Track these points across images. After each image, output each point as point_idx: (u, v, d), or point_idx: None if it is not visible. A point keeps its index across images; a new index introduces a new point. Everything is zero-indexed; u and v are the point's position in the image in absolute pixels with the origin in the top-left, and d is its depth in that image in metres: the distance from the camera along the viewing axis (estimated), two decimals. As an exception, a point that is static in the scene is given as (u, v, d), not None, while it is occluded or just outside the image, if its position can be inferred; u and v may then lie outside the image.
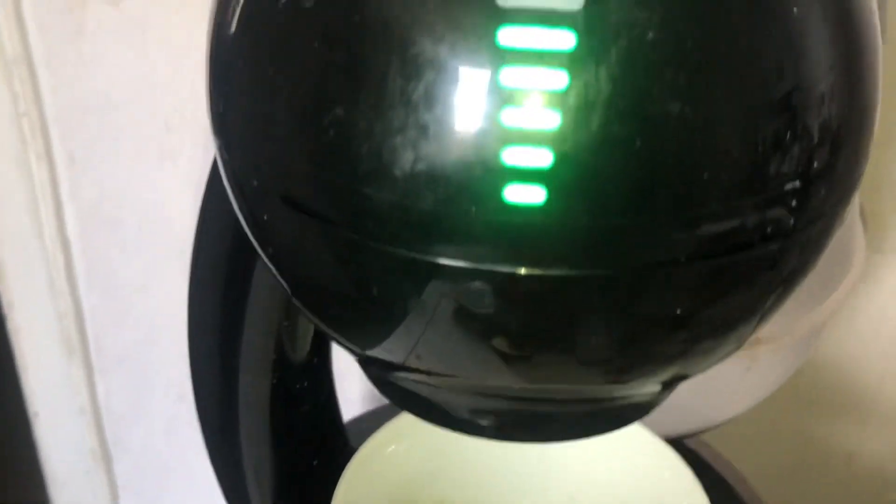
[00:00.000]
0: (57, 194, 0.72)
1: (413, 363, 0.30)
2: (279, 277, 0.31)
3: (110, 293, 0.76)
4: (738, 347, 0.31)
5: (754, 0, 0.25)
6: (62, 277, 0.75)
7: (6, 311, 0.76)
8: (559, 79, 0.25)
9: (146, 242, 0.73)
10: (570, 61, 0.24)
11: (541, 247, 0.26)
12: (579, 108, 0.25)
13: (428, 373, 0.31)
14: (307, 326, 0.43)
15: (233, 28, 0.29)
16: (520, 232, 0.26)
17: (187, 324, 0.42)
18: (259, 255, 0.32)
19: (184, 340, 0.71)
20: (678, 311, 0.27)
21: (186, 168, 0.70)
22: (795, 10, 0.26)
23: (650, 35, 0.24)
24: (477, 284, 0.26)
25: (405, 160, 0.25)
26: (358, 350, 0.32)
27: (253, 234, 0.31)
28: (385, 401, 0.35)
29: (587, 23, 0.24)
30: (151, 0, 0.62)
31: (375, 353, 0.31)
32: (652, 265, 0.26)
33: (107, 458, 0.83)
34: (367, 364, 0.33)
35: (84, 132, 0.69)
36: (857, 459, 0.71)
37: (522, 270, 0.26)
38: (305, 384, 0.44)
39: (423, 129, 0.25)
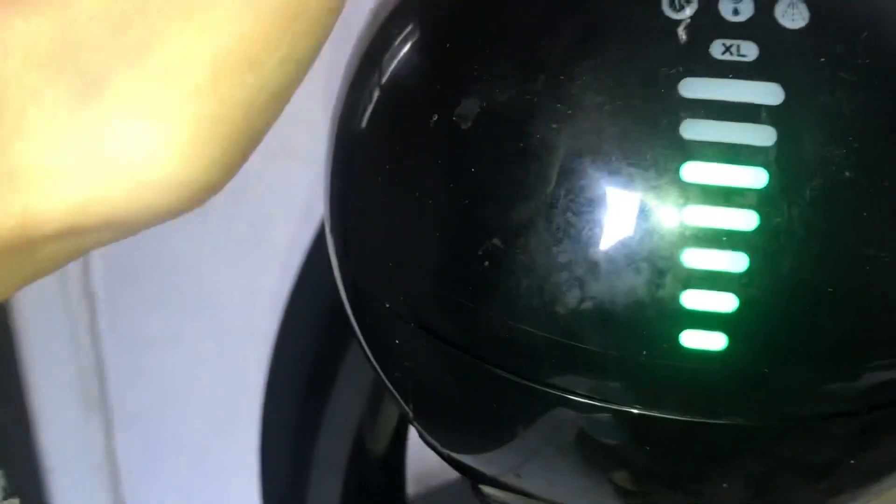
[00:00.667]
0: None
1: (538, 493, 0.28)
2: (400, 400, 0.29)
3: (133, 349, 0.74)
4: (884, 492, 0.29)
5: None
6: (86, 332, 0.73)
7: (27, 364, 0.74)
8: (748, 219, 0.22)
9: (170, 297, 0.71)
10: (761, 200, 0.22)
11: (714, 395, 0.24)
12: (768, 251, 0.23)
13: (541, 499, 0.29)
14: (389, 421, 0.41)
15: (367, 135, 0.27)
16: (695, 379, 0.23)
17: (261, 419, 0.40)
18: (347, 354, 0.30)
19: (205, 399, 0.68)
20: (851, 460, 0.25)
21: (217, 222, 0.68)
22: None
23: (845, 174, 0.23)
24: (634, 431, 0.24)
25: (570, 298, 0.23)
26: (458, 465, 0.30)
27: (374, 356, 0.28)
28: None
29: (779, 160, 0.22)
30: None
31: (488, 471, 0.29)
32: (831, 415, 0.24)
33: (122, 516, 0.81)
34: (478, 484, 0.30)
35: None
36: None
37: (692, 418, 0.24)
38: (382, 485, 0.42)
39: (593, 267, 0.23)
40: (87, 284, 0.70)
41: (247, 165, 0.20)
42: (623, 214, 0.23)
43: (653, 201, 0.23)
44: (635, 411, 0.24)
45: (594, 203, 0.23)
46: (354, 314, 0.28)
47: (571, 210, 0.23)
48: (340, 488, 0.41)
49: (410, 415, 0.29)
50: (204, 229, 0.68)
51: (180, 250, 0.69)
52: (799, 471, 0.26)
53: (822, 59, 0.23)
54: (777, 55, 0.23)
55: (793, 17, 0.23)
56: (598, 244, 0.23)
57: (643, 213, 0.23)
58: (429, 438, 0.30)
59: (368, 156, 0.26)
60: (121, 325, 0.74)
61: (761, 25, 0.23)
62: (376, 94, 0.27)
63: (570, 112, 0.23)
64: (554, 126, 0.23)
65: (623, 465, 0.26)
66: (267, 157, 0.26)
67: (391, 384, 0.29)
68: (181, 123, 0.18)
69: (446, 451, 0.30)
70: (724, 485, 0.26)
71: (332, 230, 0.28)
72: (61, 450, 0.78)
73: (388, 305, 0.27)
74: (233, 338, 0.74)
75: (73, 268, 0.70)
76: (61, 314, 0.71)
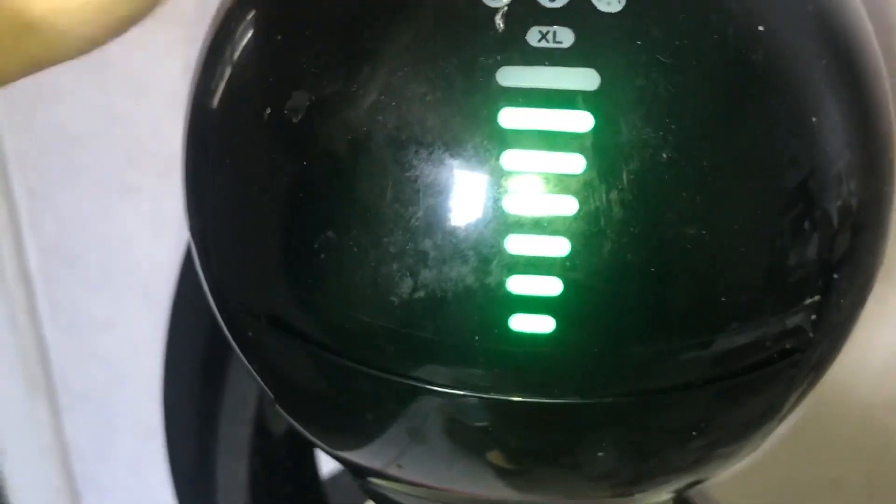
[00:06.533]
0: (17, 229, 0.69)
1: (399, 474, 0.29)
2: (263, 386, 0.29)
3: (74, 330, 0.74)
4: (758, 448, 0.29)
5: (771, 121, 0.23)
6: (24, 314, 0.73)
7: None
8: (568, 204, 0.23)
9: (110, 279, 0.71)
10: (579, 186, 0.23)
11: (548, 376, 0.24)
12: (589, 234, 0.23)
13: (422, 486, 0.29)
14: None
15: (210, 131, 0.27)
16: (526, 362, 0.24)
17: (162, 407, 0.40)
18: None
19: (151, 378, 0.69)
20: (692, 431, 0.26)
21: (150, 203, 0.68)
22: (814, 120, 0.24)
23: (662, 156, 0.23)
24: (478, 414, 0.25)
25: (403, 288, 0.24)
26: (344, 461, 0.30)
27: (237, 346, 0.29)
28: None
29: (596, 145, 0.23)
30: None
31: (360, 461, 0.30)
32: (666, 390, 0.25)
33: (75, 496, 0.81)
34: (358, 476, 0.31)
35: (44, 166, 0.66)
36: (843, 488, 0.71)
37: (527, 399, 0.24)
38: (288, 465, 0.42)
39: (422, 257, 0.23)
40: (22, 266, 0.70)
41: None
42: (448, 204, 0.23)
43: (475, 190, 0.23)
44: (479, 395, 0.25)
45: (420, 194, 0.23)
46: (217, 308, 0.29)
47: (399, 201, 0.23)
48: (247, 471, 0.41)
49: (273, 399, 0.29)
50: (137, 209, 0.67)
51: (114, 231, 0.69)
52: (650, 441, 0.27)
53: (639, 43, 0.23)
54: (593, 40, 0.23)
55: (609, 1, 0.23)
56: (425, 234, 0.23)
57: (467, 202, 0.23)
58: (303, 432, 0.31)
59: (212, 152, 0.27)
60: (60, 307, 0.74)
61: (578, 11, 0.23)
62: (219, 91, 0.27)
63: (393, 103, 0.23)
64: (379, 118, 0.24)
65: (487, 448, 0.27)
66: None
67: (257, 376, 0.29)
68: None
69: (320, 445, 0.30)
70: (596, 456, 0.27)
71: (190, 225, 0.28)
72: (10, 431, 0.78)
73: (241, 300, 0.27)
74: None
75: (7, 252, 0.70)
76: (-1, 298, 0.71)
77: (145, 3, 0.24)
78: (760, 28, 0.24)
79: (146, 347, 0.76)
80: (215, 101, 0.26)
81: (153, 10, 0.25)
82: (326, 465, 0.47)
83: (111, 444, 0.79)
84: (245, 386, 0.38)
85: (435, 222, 0.23)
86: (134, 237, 0.69)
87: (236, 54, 0.27)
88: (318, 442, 0.30)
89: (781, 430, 0.39)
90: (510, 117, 0.23)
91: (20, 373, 0.76)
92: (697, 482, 0.30)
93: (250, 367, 0.29)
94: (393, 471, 0.28)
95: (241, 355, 0.29)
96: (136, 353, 0.75)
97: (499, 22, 0.23)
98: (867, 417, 0.69)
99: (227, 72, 0.27)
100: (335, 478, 0.46)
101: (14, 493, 0.82)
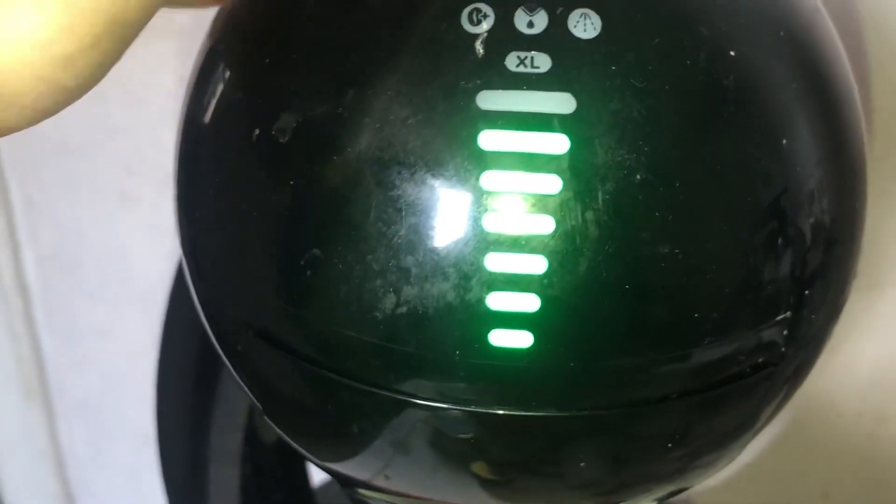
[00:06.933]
0: (14, 238, 0.70)
1: (384, 484, 0.30)
2: (252, 398, 0.30)
3: (71, 338, 0.74)
4: (737, 456, 0.30)
5: (743, 143, 0.24)
6: (21, 321, 0.74)
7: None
8: (545, 224, 0.24)
9: (107, 287, 0.72)
10: (556, 206, 0.24)
11: (527, 390, 0.25)
12: (566, 253, 0.24)
13: (404, 495, 0.30)
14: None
15: (203, 153, 0.28)
16: (505, 375, 0.25)
17: (154, 414, 0.41)
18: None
19: (146, 386, 0.69)
20: (669, 443, 0.27)
21: (148, 212, 0.69)
22: (785, 142, 0.25)
23: (636, 177, 0.24)
24: (460, 426, 0.26)
25: (387, 303, 0.24)
26: (331, 471, 0.31)
27: (226, 358, 0.30)
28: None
29: (572, 166, 0.23)
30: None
31: (346, 472, 0.31)
32: (641, 403, 0.25)
33: (70, 502, 0.82)
34: (346, 487, 0.32)
35: (42, 175, 0.67)
36: (833, 498, 0.71)
37: (507, 412, 0.25)
38: (279, 473, 0.43)
39: (405, 273, 0.24)
40: (19, 275, 0.71)
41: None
42: (429, 223, 0.24)
43: (456, 210, 0.24)
44: (460, 408, 0.26)
45: (403, 213, 0.24)
46: (206, 320, 0.29)
47: (381, 220, 0.24)
48: (238, 479, 0.42)
49: (261, 410, 0.30)
50: (134, 219, 0.68)
51: (111, 240, 0.70)
52: (628, 453, 0.27)
53: (613, 68, 0.24)
54: (569, 65, 0.24)
55: (584, 27, 0.24)
56: (407, 252, 0.24)
57: (448, 221, 0.24)
58: (290, 442, 0.31)
59: (203, 168, 0.27)
60: (57, 315, 0.74)
61: (555, 37, 0.24)
62: (209, 109, 0.27)
63: (377, 125, 0.24)
64: (363, 140, 0.24)
65: (471, 459, 0.27)
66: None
67: (242, 384, 0.30)
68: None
69: (307, 455, 0.31)
70: (577, 467, 0.27)
71: (181, 239, 0.29)
72: (5, 438, 0.78)
73: (229, 313, 0.28)
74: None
75: (4, 260, 0.70)
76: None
77: (91, 74, 0.22)
78: (732, 53, 0.25)
79: (142, 355, 0.77)
80: (206, 119, 0.27)
81: (101, 79, 0.22)
82: (318, 473, 0.48)
83: (106, 451, 0.79)
84: (236, 394, 0.39)
85: (417, 240, 0.24)
86: (131, 246, 0.70)
87: (227, 73, 0.27)
88: (305, 453, 0.31)
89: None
90: (489, 139, 0.24)
91: (16, 379, 0.77)
92: (678, 491, 0.30)
93: (239, 380, 0.30)
94: (380, 482, 0.29)
95: (231, 367, 0.30)
96: (132, 360, 0.75)
97: (479, 48, 0.24)
98: (856, 427, 0.70)
99: (218, 90, 0.27)
100: (326, 486, 0.46)
101: (9, 499, 0.83)
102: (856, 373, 0.67)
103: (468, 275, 0.24)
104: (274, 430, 0.40)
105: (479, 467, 0.28)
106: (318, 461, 0.31)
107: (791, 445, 0.70)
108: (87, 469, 0.81)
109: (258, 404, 0.30)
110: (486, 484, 0.28)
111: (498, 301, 0.24)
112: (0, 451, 0.79)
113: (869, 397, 0.69)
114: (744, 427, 0.28)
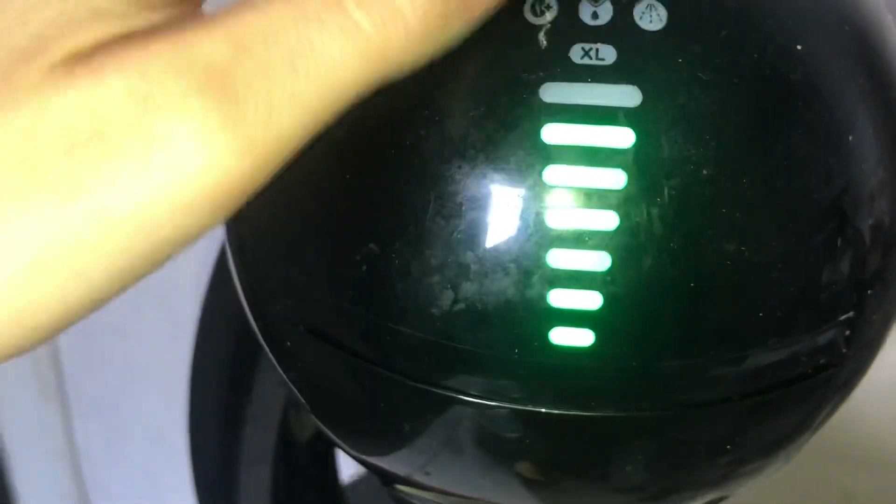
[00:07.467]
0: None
1: (423, 480, 0.29)
2: (299, 396, 0.30)
3: (87, 336, 0.74)
4: (789, 461, 0.30)
5: (808, 139, 0.24)
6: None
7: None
8: (609, 219, 0.23)
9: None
10: (620, 201, 0.23)
11: (586, 389, 0.24)
12: (630, 249, 0.23)
13: (442, 492, 0.29)
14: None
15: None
16: (565, 374, 0.24)
17: (188, 414, 0.41)
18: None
19: (162, 384, 0.69)
20: (726, 445, 0.26)
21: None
22: (850, 139, 0.24)
23: (702, 173, 0.23)
24: (513, 425, 0.25)
25: (444, 300, 0.24)
26: (372, 467, 0.31)
27: (273, 357, 0.29)
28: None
29: (637, 161, 0.23)
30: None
31: (387, 467, 0.30)
32: (702, 405, 0.25)
33: (84, 501, 0.82)
34: (385, 483, 0.31)
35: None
36: (855, 500, 0.71)
37: (564, 412, 0.25)
38: (311, 472, 0.43)
39: (464, 269, 0.24)
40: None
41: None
42: (490, 218, 0.24)
43: (518, 205, 0.23)
44: (515, 407, 0.25)
45: (462, 208, 0.24)
46: (252, 315, 0.29)
47: (441, 215, 0.24)
48: (270, 479, 0.42)
49: (309, 409, 0.30)
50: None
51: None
52: (683, 455, 0.27)
53: (680, 60, 0.23)
54: (635, 58, 0.23)
55: (651, 19, 0.24)
56: (467, 247, 0.24)
57: (509, 216, 0.23)
58: (334, 439, 0.31)
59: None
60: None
61: (620, 28, 0.24)
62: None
63: (437, 118, 0.24)
64: (422, 132, 0.24)
65: (518, 458, 0.27)
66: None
67: (290, 384, 0.29)
68: None
69: (350, 451, 0.30)
70: (625, 469, 0.27)
71: (227, 233, 0.29)
72: (21, 436, 0.78)
73: (278, 308, 0.27)
74: (187, 323, 0.75)
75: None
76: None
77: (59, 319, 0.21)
78: (799, 47, 0.24)
79: (158, 354, 0.77)
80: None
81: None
82: (346, 470, 0.47)
83: (122, 450, 0.79)
84: (272, 393, 0.39)
85: (477, 235, 0.24)
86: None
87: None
88: (347, 448, 0.30)
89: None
90: (553, 133, 0.23)
91: (32, 377, 0.76)
92: (722, 498, 0.30)
93: (285, 376, 0.29)
94: (419, 477, 0.29)
95: (277, 364, 0.29)
96: (149, 359, 0.75)
97: (542, 39, 0.24)
98: (878, 432, 0.70)
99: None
100: (355, 484, 0.46)
101: (24, 497, 0.82)
102: (877, 377, 0.67)
103: (529, 271, 0.23)
104: (308, 429, 0.40)
105: (524, 467, 0.27)
106: (359, 455, 0.30)
107: (813, 450, 0.70)
108: (102, 467, 0.80)
109: (303, 400, 0.30)
110: (528, 484, 0.28)
111: (559, 298, 0.24)
112: (16, 450, 0.79)
113: (890, 402, 0.69)
114: (800, 429, 0.28)
